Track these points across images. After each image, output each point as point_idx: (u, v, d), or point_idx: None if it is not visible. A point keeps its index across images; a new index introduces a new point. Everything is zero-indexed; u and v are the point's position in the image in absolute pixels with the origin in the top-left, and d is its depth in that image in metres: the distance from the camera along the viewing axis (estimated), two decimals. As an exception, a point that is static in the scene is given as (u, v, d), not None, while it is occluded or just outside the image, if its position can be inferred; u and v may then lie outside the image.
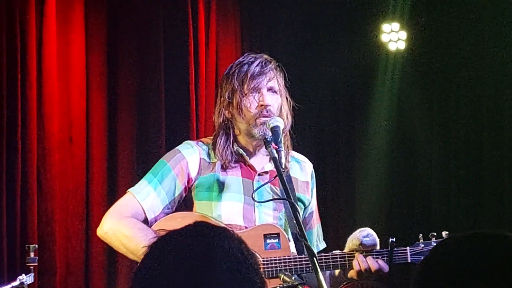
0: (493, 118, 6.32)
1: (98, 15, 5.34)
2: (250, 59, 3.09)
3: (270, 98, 3.04)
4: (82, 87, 5.21)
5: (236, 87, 3.04)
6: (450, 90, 6.55)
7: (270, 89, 3.06)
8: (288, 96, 3.15)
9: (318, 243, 3.30)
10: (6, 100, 4.77)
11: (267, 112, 3.02)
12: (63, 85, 5.12)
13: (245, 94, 3.03)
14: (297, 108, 3.18)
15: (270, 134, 2.95)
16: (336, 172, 6.63)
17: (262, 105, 3.01)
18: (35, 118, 4.89)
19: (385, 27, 6.50)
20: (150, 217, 3.02)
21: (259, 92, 3.03)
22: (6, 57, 4.79)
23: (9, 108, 4.79)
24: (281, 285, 2.55)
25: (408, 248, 3.00)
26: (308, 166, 3.27)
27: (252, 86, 3.03)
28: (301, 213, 3.17)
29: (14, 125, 4.79)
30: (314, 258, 2.52)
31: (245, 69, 3.05)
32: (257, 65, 3.06)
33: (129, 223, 2.97)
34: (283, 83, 3.13)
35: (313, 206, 3.28)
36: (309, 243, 2.62)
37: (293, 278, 2.54)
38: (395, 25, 6.47)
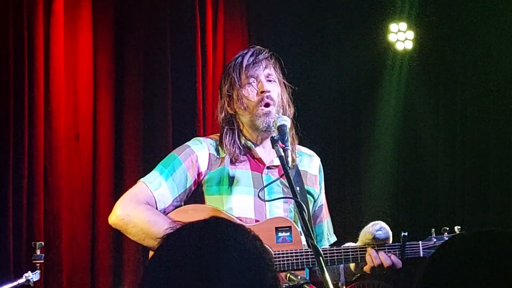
0: (499, 117, 6.31)
1: (106, 14, 5.35)
2: (244, 51, 3.14)
3: (268, 85, 3.06)
4: (89, 85, 5.22)
5: (234, 80, 3.08)
6: (456, 90, 6.55)
7: (267, 77, 3.08)
8: (286, 84, 3.16)
9: (329, 236, 3.31)
10: (14, 98, 4.79)
11: (267, 98, 3.03)
12: (70, 83, 5.13)
13: (244, 85, 3.06)
14: (294, 89, 3.18)
15: (277, 133, 2.96)
16: (343, 170, 6.63)
17: (262, 92, 3.04)
18: (42, 116, 4.90)
19: (393, 27, 6.50)
20: (160, 207, 3.02)
21: (257, 80, 3.06)
22: (13, 55, 4.80)
23: (16, 106, 4.80)
24: (286, 284, 2.55)
25: (420, 242, 2.99)
26: (316, 160, 3.28)
27: (249, 75, 3.07)
28: (310, 206, 3.18)
29: (21, 123, 4.80)
30: (321, 258, 2.51)
31: (240, 61, 3.09)
32: (251, 55, 3.09)
33: (148, 209, 2.97)
34: (281, 72, 3.16)
35: (322, 199, 3.29)
36: (315, 242, 2.61)
37: (298, 277, 2.54)
38: (403, 25, 6.47)
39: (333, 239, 3.34)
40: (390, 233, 3.00)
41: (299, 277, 2.54)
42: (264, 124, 3.03)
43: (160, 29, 5.61)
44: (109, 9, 5.37)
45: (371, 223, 3.01)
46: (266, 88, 3.04)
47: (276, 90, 3.08)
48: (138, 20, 5.51)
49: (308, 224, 2.68)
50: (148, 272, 1.56)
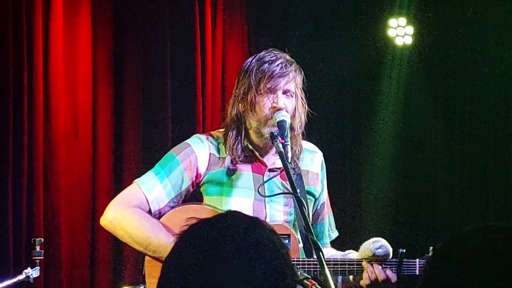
0: (499, 114, 6.30)
1: (105, 9, 5.33)
2: (272, 57, 3.05)
3: (284, 101, 3.01)
4: (88, 81, 5.21)
5: (252, 84, 3.02)
6: (456, 85, 6.54)
7: (286, 92, 3.03)
8: (304, 98, 3.12)
9: (330, 232, 3.31)
10: (13, 94, 4.78)
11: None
12: (70, 79, 5.12)
13: (260, 94, 3.01)
14: (311, 114, 3.16)
15: (277, 128, 2.95)
16: (342, 166, 6.62)
17: (275, 107, 3.00)
18: (41, 112, 4.90)
19: (392, 22, 6.49)
20: (154, 209, 3.01)
21: (274, 94, 3.01)
22: (12, 51, 4.79)
23: (16, 102, 4.79)
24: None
25: (417, 260, 2.99)
26: (318, 156, 3.26)
27: (268, 86, 3.00)
28: (311, 206, 3.17)
29: (20, 119, 4.79)
30: (320, 253, 2.51)
31: (265, 68, 3.01)
32: (277, 65, 3.02)
33: (135, 213, 2.97)
34: (301, 85, 3.10)
35: (324, 197, 3.27)
36: (315, 238, 2.61)
37: (298, 273, 2.53)
38: (402, 20, 6.46)
39: (335, 234, 3.33)
40: (390, 250, 2.99)
41: (299, 272, 2.53)
42: (269, 134, 3.00)
43: (159, 26, 5.60)
44: (108, 5, 5.36)
45: (371, 240, 3.00)
46: (280, 105, 2.98)
47: (291, 104, 3.03)
48: (138, 17, 5.50)
49: (308, 220, 2.69)
50: (165, 270, 1.55)
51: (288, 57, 3.10)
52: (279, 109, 2.99)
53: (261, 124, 3.01)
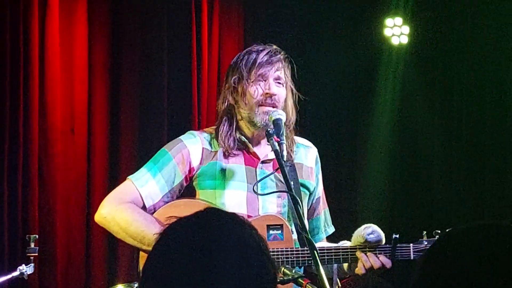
0: (495, 112, 6.32)
1: (101, 6, 5.34)
2: (259, 48, 3.10)
3: (276, 88, 3.04)
4: (84, 78, 5.21)
5: (243, 73, 3.04)
6: (452, 85, 6.55)
7: (277, 79, 3.05)
8: (294, 89, 3.14)
9: (326, 227, 3.31)
10: (9, 90, 4.78)
11: (271, 100, 3.02)
12: (66, 76, 5.12)
13: (252, 82, 3.03)
14: (302, 100, 3.17)
15: (272, 126, 2.95)
16: (338, 165, 6.63)
17: (267, 94, 3.01)
18: (37, 108, 4.90)
19: (388, 21, 6.49)
20: (148, 204, 3.02)
21: (265, 81, 3.03)
22: (9, 47, 4.80)
23: (12, 99, 4.79)
24: (281, 278, 2.54)
25: (411, 245, 3.00)
26: (313, 151, 3.27)
27: (259, 73, 3.03)
28: (305, 200, 3.17)
29: (16, 116, 4.80)
30: (315, 251, 2.51)
31: (253, 57, 3.05)
32: (265, 54, 3.06)
33: (128, 208, 2.98)
34: (290, 75, 3.13)
35: (320, 191, 3.28)
36: (309, 236, 2.60)
37: (293, 271, 2.54)
38: (398, 20, 6.47)
39: (331, 230, 3.33)
40: (383, 235, 2.99)
41: (293, 271, 2.53)
42: (262, 122, 3.00)
43: (156, 23, 5.60)
44: (105, 2, 5.36)
45: (363, 226, 3.00)
46: (272, 91, 3.01)
47: (282, 93, 3.06)
48: (134, 14, 5.50)
49: (302, 218, 2.69)
50: (147, 269, 1.55)
51: (275, 47, 3.13)
52: (272, 95, 3.00)
53: (253, 112, 3.03)
